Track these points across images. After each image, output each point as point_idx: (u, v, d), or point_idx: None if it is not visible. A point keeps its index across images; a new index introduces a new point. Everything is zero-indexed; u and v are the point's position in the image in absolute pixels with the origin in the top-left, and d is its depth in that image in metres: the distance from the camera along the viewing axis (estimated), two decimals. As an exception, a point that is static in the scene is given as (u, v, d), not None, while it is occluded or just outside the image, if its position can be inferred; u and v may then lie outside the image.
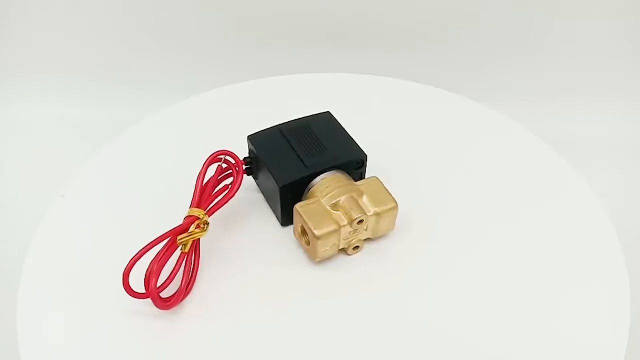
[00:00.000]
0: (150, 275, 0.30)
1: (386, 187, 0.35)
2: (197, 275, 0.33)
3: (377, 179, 0.35)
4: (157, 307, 0.31)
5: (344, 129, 0.38)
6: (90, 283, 0.34)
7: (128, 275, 0.30)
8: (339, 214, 0.33)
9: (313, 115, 0.38)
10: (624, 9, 0.79)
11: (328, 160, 0.35)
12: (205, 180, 0.35)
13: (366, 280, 0.34)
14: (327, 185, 0.34)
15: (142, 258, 0.30)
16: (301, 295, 0.33)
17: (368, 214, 0.33)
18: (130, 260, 0.30)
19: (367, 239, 0.35)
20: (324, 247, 0.33)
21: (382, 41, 0.82)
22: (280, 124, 0.37)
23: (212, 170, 0.35)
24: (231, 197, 0.34)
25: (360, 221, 0.33)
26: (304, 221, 0.33)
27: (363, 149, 0.36)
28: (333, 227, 0.33)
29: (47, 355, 0.31)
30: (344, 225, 0.33)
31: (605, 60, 0.83)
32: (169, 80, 0.85)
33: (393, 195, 0.34)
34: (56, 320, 0.32)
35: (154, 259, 0.31)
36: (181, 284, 0.32)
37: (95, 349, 0.31)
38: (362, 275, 0.34)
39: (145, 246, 0.31)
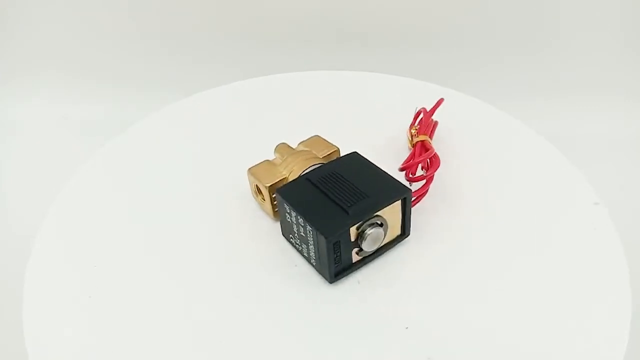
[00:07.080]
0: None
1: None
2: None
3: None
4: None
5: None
6: (91, 283, 0.34)
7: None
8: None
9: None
10: (625, 9, 0.79)
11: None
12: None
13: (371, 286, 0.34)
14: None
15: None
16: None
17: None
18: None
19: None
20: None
21: (384, 39, 0.82)
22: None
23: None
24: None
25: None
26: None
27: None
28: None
29: (53, 354, 0.31)
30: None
31: (607, 59, 0.83)
32: (169, 80, 0.85)
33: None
34: (61, 320, 0.32)
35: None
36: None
37: (98, 348, 0.31)
38: (369, 281, 0.34)
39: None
